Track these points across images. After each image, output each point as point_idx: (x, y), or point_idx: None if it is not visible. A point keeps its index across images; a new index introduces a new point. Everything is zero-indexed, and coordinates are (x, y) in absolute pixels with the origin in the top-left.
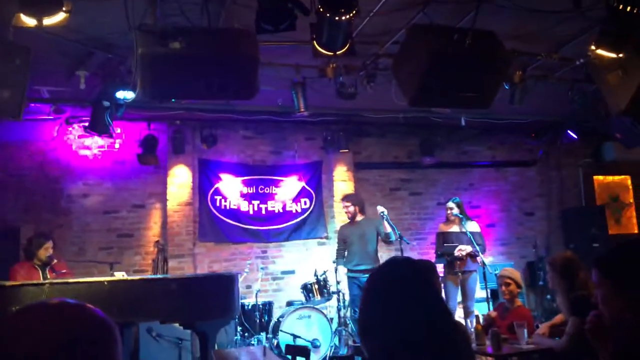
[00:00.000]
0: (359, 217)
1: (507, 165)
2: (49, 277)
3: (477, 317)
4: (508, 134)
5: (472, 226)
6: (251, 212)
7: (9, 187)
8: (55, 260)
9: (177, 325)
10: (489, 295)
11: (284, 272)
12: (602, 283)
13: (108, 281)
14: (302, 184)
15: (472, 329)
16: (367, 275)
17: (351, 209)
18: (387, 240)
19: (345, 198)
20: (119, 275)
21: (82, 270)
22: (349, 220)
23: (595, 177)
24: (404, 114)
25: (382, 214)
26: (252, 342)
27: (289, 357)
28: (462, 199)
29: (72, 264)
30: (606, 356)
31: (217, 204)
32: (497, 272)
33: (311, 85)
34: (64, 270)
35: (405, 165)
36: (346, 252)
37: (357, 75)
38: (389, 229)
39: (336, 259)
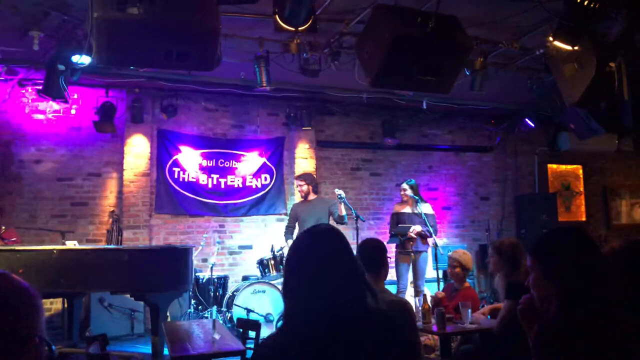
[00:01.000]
0: (311, 196)
1: (465, 150)
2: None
3: (424, 296)
4: (468, 120)
5: (426, 208)
6: (210, 185)
7: None
8: (3, 228)
9: (129, 296)
10: (440, 276)
11: (241, 247)
12: (534, 268)
13: (57, 250)
14: (263, 159)
15: (420, 308)
16: None
17: (304, 187)
18: (340, 222)
19: (300, 177)
20: (71, 244)
21: (33, 238)
22: (302, 198)
23: (549, 166)
24: (367, 95)
25: (339, 196)
26: (206, 315)
27: (240, 330)
28: (421, 181)
29: (22, 232)
30: (532, 336)
31: (175, 176)
32: (449, 253)
33: (275, 60)
34: (13, 238)
35: (367, 146)
36: (297, 230)
37: (322, 53)
38: (344, 212)
39: (285, 234)
